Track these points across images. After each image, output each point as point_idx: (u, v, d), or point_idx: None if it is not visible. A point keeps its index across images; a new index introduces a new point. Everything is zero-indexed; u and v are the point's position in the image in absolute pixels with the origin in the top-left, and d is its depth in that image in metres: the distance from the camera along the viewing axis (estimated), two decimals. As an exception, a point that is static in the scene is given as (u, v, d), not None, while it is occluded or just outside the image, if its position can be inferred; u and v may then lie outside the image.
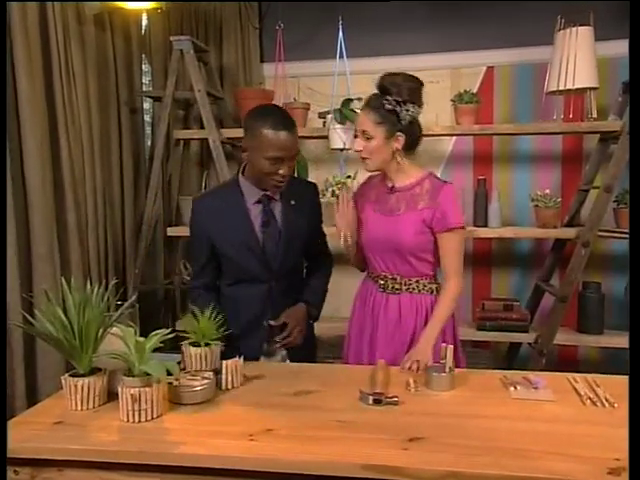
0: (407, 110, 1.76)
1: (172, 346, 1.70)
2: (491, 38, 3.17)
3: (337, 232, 1.89)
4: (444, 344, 1.62)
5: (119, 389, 1.36)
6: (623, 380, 1.49)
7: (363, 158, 1.84)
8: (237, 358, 1.60)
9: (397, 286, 1.88)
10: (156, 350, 1.42)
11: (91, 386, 1.42)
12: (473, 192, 3.03)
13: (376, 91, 1.82)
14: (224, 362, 1.57)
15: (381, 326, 1.89)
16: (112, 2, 2.75)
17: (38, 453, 1.26)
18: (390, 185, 1.88)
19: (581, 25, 2.69)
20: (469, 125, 2.90)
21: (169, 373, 1.38)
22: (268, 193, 1.83)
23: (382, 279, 1.90)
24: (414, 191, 1.84)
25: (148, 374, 1.35)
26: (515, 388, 1.54)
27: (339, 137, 2.77)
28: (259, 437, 1.27)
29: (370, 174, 1.99)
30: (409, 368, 1.68)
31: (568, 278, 2.79)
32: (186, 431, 1.31)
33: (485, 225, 2.96)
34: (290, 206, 1.87)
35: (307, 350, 1.96)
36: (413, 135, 1.82)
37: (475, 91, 3.05)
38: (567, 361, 3.25)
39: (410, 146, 1.83)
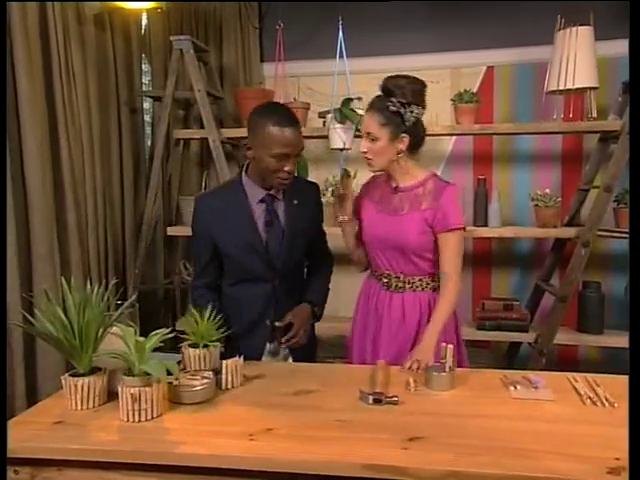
0: (411, 112, 1.78)
1: (172, 346, 1.70)
2: (491, 38, 3.17)
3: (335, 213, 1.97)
4: (444, 343, 1.62)
5: (119, 389, 1.36)
6: (623, 380, 1.49)
7: (368, 159, 1.85)
8: (237, 358, 1.60)
9: (400, 284, 1.90)
10: (156, 350, 1.42)
11: (91, 386, 1.42)
12: (473, 192, 3.03)
13: (379, 93, 1.83)
14: (224, 362, 1.57)
15: (385, 324, 1.90)
16: (112, 2, 2.75)
17: (38, 453, 1.26)
18: (394, 185, 1.90)
19: (581, 25, 2.69)
20: (469, 125, 2.90)
21: (169, 373, 1.38)
22: (272, 192, 1.83)
23: (386, 277, 1.92)
24: (417, 191, 1.86)
25: (148, 374, 1.35)
26: (515, 388, 1.54)
27: (339, 137, 2.76)
28: (259, 437, 1.27)
29: (374, 174, 2.00)
30: (409, 367, 1.68)
31: (568, 278, 2.79)
32: (186, 431, 1.31)
33: (485, 225, 2.96)
34: (293, 206, 1.87)
35: (308, 350, 1.97)
36: (417, 136, 1.84)
37: (475, 91, 3.04)
38: (567, 361, 3.25)
39: (414, 147, 1.85)
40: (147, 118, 3.38)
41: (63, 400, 1.45)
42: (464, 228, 1.85)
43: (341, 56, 2.85)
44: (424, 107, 1.83)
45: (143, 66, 3.29)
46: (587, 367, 3.09)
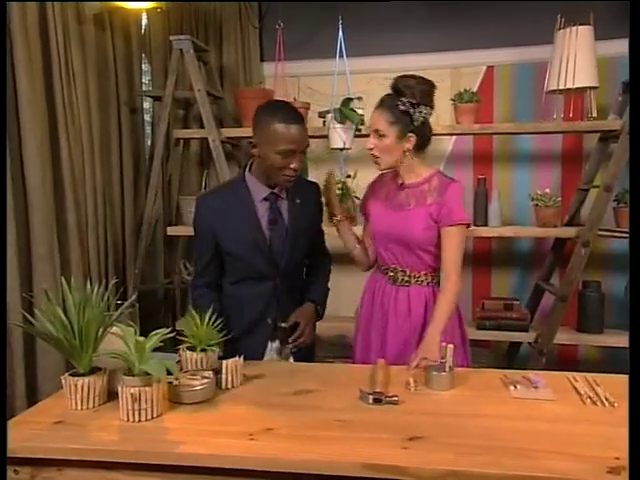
0: (420, 112, 1.81)
1: (172, 346, 1.70)
2: (491, 37, 3.17)
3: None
4: (444, 343, 1.62)
5: (119, 388, 1.36)
6: (623, 379, 1.49)
7: (374, 156, 1.87)
8: (237, 358, 1.60)
9: (406, 278, 1.92)
10: (156, 350, 1.42)
11: (91, 385, 1.42)
12: (473, 191, 3.02)
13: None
14: (224, 362, 1.57)
15: (391, 318, 1.93)
16: (112, 2, 2.75)
17: (38, 452, 1.26)
18: (400, 182, 1.93)
19: (581, 24, 2.68)
20: (469, 124, 2.90)
21: (169, 372, 1.38)
22: (275, 191, 1.84)
23: (392, 272, 1.94)
24: (423, 188, 1.89)
25: (148, 373, 1.35)
26: (515, 387, 1.54)
27: (339, 136, 2.76)
28: (259, 436, 1.27)
29: (381, 172, 2.02)
30: (416, 366, 1.68)
31: (568, 277, 2.79)
32: (186, 430, 1.31)
33: (485, 224, 2.95)
34: (296, 205, 1.88)
35: (308, 349, 1.97)
36: (424, 136, 1.87)
37: (475, 90, 3.04)
38: (567, 360, 3.25)
39: (420, 147, 1.88)
40: (147, 118, 3.38)
41: (63, 400, 1.45)
42: (469, 225, 1.89)
43: (341, 56, 2.85)
44: (432, 108, 1.86)
45: (143, 66, 3.29)
46: (587, 367, 3.09)
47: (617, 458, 1.14)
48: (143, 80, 3.31)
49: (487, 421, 1.35)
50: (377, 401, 1.44)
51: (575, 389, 1.54)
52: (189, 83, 3.09)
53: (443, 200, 1.84)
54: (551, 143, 3.23)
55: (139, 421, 1.35)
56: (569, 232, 2.87)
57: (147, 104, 3.37)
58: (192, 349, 1.59)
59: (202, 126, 3.07)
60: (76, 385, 1.41)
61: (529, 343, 2.94)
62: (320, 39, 3.20)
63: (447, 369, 1.56)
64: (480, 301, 3.05)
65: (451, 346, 1.58)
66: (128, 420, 1.35)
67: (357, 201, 2.91)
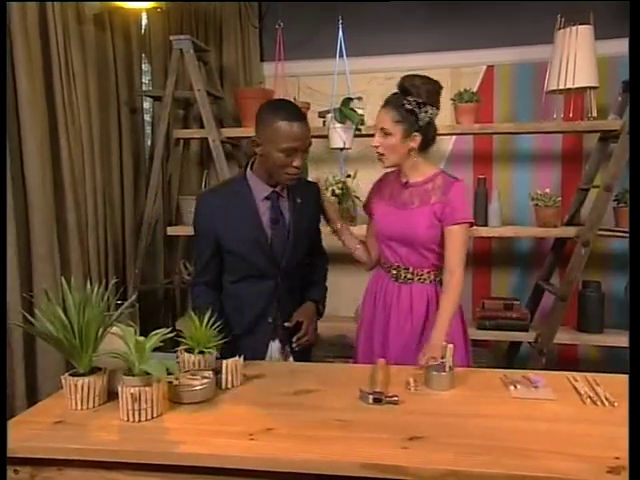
0: (426, 112, 1.82)
1: (172, 345, 1.70)
2: (491, 37, 3.17)
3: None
4: (444, 343, 1.62)
5: (119, 388, 1.36)
6: (623, 379, 1.49)
7: (379, 154, 1.89)
8: (237, 358, 1.60)
9: (409, 276, 1.94)
10: (156, 349, 1.42)
11: (91, 385, 1.42)
12: (473, 191, 3.02)
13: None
14: (224, 361, 1.57)
15: (393, 314, 1.94)
16: (112, 2, 2.75)
17: (38, 452, 1.26)
18: (404, 181, 1.94)
19: (581, 24, 2.68)
20: (469, 124, 2.90)
21: (169, 372, 1.38)
22: (277, 190, 1.84)
23: (395, 269, 1.96)
24: (427, 186, 1.90)
25: (148, 373, 1.35)
26: (515, 387, 1.54)
27: (339, 136, 2.77)
28: (259, 436, 1.27)
29: (385, 171, 2.04)
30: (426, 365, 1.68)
31: (568, 277, 2.78)
32: (186, 430, 1.31)
33: (485, 224, 2.95)
34: (297, 204, 1.89)
35: (308, 348, 1.98)
36: (429, 136, 1.89)
37: (475, 90, 3.04)
38: (567, 360, 3.25)
39: (425, 146, 1.90)
40: (147, 118, 3.38)
41: (63, 400, 1.45)
42: (472, 223, 1.90)
43: (341, 56, 2.85)
44: (438, 108, 1.88)
45: (143, 66, 3.28)
46: (587, 366, 3.09)
47: (617, 458, 1.14)
48: (143, 80, 3.31)
49: (487, 421, 1.35)
50: (377, 401, 1.44)
51: (575, 389, 1.54)
52: (189, 83, 3.09)
53: (447, 199, 1.85)
54: (551, 143, 3.23)
55: (139, 421, 1.35)
56: (569, 232, 2.87)
57: (147, 104, 3.37)
58: (190, 351, 1.59)
59: (202, 126, 3.07)
60: (76, 385, 1.41)
61: (529, 343, 2.94)
62: (320, 39, 3.20)
63: (447, 369, 1.56)
64: (480, 301, 3.05)
65: (451, 346, 1.59)
66: (128, 420, 1.35)
67: (357, 201, 2.91)
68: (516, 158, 3.31)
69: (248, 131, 2.87)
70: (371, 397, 1.45)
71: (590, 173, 2.97)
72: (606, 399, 1.45)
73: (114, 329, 1.44)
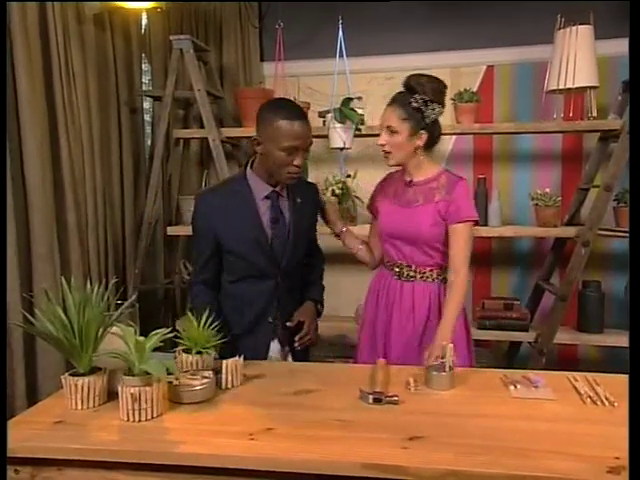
0: (432, 109, 1.83)
1: (172, 345, 1.70)
2: (491, 37, 3.17)
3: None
4: (444, 342, 1.62)
5: (119, 388, 1.36)
6: (623, 379, 1.49)
7: (385, 152, 1.89)
8: (237, 357, 1.60)
9: (412, 274, 1.94)
10: (156, 349, 1.43)
11: (91, 385, 1.42)
12: (473, 191, 3.02)
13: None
14: (224, 361, 1.57)
15: (395, 312, 1.95)
16: (112, 2, 2.75)
17: (38, 452, 1.26)
18: (408, 179, 1.95)
19: (581, 24, 2.68)
20: (469, 124, 2.90)
21: (169, 372, 1.38)
22: (277, 189, 1.84)
23: (398, 267, 1.96)
24: (431, 185, 1.91)
25: (148, 373, 1.35)
26: (515, 387, 1.54)
27: (339, 136, 2.76)
28: (259, 436, 1.27)
29: (389, 171, 2.04)
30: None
31: (568, 277, 2.78)
32: (186, 430, 1.31)
33: (485, 224, 2.95)
34: (297, 204, 1.89)
35: (307, 348, 1.97)
36: (435, 134, 1.90)
37: (475, 90, 3.04)
38: (567, 360, 3.25)
39: (430, 145, 1.91)
40: (147, 118, 3.38)
41: (63, 400, 1.45)
42: (476, 222, 1.90)
43: (341, 56, 2.85)
44: (444, 106, 1.89)
45: (143, 66, 3.28)
46: (587, 366, 3.09)
47: (617, 458, 1.14)
48: (143, 80, 3.31)
49: (487, 421, 1.35)
50: (377, 401, 1.45)
51: (575, 389, 1.55)
52: (189, 83, 3.09)
53: (451, 197, 1.86)
54: (551, 143, 3.23)
55: (139, 421, 1.35)
56: (569, 232, 2.86)
57: (147, 104, 3.37)
58: (188, 351, 1.59)
59: (202, 126, 3.07)
60: (76, 385, 1.41)
61: (529, 343, 2.94)
62: (320, 39, 3.20)
63: (447, 369, 1.56)
64: (480, 301, 3.05)
65: (451, 345, 1.59)
66: (128, 420, 1.35)
67: (357, 201, 2.91)
68: (516, 158, 3.31)
69: (248, 131, 2.87)
70: (371, 397, 1.45)
71: (590, 173, 2.97)
72: (606, 399, 1.45)
73: (114, 329, 1.44)
